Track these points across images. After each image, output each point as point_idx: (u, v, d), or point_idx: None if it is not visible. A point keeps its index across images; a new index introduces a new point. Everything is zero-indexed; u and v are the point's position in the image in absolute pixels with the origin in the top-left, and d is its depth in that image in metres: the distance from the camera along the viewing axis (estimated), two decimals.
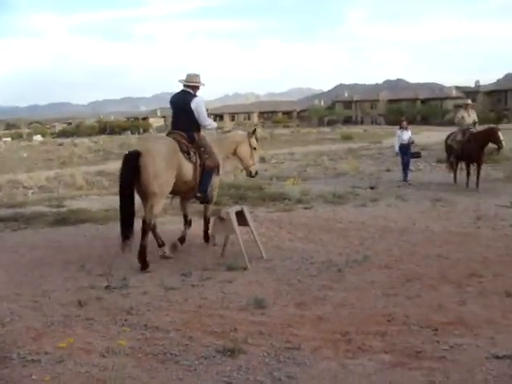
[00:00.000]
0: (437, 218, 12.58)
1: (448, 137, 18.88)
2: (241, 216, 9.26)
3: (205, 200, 9.89)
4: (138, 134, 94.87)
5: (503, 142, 16.87)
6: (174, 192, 9.63)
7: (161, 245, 9.64)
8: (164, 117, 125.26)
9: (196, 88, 9.80)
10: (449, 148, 18.50)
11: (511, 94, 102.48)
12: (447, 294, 7.07)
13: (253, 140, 10.79)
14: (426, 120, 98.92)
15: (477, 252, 9.30)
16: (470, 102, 19.16)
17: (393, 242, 10.24)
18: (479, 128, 18.00)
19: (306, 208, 14.19)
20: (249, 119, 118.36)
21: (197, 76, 9.87)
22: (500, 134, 16.79)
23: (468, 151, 17.23)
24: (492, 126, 18.03)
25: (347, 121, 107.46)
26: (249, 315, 6.43)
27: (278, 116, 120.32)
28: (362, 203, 14.74)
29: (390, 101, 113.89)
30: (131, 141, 57.40)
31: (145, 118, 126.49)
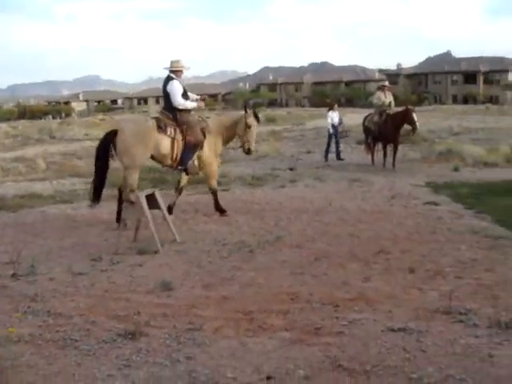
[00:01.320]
0: (353, 197, 12.80)
1: (365, 118, 19.17)
2: (152, 199, 9.17)
3: (187, 171, 11.07)
4: (60, 118, 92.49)
5: (417, 123, 17.22)
6: (161, 163, 11.02)
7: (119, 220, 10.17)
8: (87, 101, 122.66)
9: (179, 72, 10.76)
10: (366, 129, 18.80)
11: (432, 76, 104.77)
12: (353, 271, 7.21)
13: (249, 119, 11.10)
14: (350, 102, 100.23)
15: (387, 230, 9.53)
16: (386, 83, 19.52)
17: (307, 222, 10.36)
18: (395, 109, 18.32)
19: (224, 190, 14.13)
20: None
21: (178, 61, 10.80)
22: (414, 115, 17.09)
23: (385, 132, 17.52)
24: (408, 107, 18.33)
25: (272, 103, 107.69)
26: (155, 298, 6.39)
27: None
28: (281, 184, 14.86)
29: (315, 83, 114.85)
30: (52, 125, 56.06)
31: (67, 102, 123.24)
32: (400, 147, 18.41)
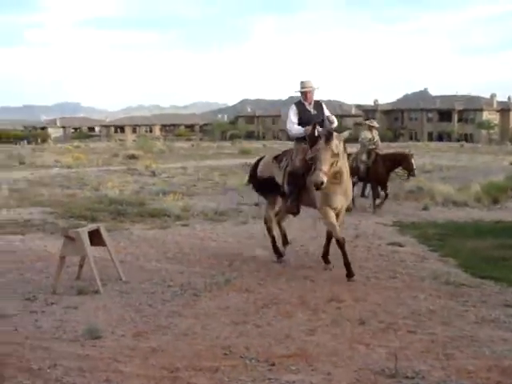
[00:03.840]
0: (316, 236, 12.31)
1: (353, 159, 18.08)
2: (97, 235, 8.63)
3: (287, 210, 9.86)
4: (36, 144, 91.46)
5: (415, 171, 16.57)
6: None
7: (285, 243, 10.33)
8: (64, 127, 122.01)
9: (306, 93, 9.69)
10: (354, 169, 17.89)
11: (407, 113, 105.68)
12: (300, 321, 6.68)
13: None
14: None
15: (345, 273, 9.03)
16: (375, 124, 18.37)
17: (263, 262, 9.88)
18: (381, 147, 17.62)
19: (183, 225, 13.63)
20: (151, 132, 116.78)
21: (304, 82, 9.73)
22: (413, 161, 16.41)
23: (374, 173, 16.69)
24: (406, 152, 17.48)
25: (249, 136, 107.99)
26: (78, 347, 5.79)
27: (180, 129, 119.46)
28: (244, 220, 14.35)
29: None
30: (25, 151, 55.13)
31: (43, 128, 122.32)
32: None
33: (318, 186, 8.36)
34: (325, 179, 8.32)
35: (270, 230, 10.24)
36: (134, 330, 6.39)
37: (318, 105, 9.81)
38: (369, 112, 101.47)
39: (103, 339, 6.04)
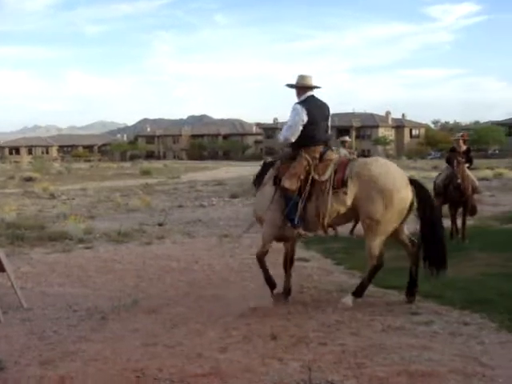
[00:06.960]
0: (221, 255, 12.32)
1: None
2: None
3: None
4: None
5: None
6: None
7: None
8: None
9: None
10: None
11: None
12: (210, 340, 6.60)
13: None
14: (227, 155, 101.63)
15: (253, 290, 9.06)
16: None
17: (170, 282, 9.75)
18: None
19: (86, 248, 13.30)
20: (47, 153, 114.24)
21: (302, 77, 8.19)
22: None
23: None
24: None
25: (150, 156, 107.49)
26: None
27: (78, 150, 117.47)
28: (148, 241, 14.16)
29: (193, 136, 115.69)
30: None
31: None
32: None
33: None
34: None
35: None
36: (39, 358, 6.12)
37: None
38: (269, 130, 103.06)
39: (7, 370, 5.75)
